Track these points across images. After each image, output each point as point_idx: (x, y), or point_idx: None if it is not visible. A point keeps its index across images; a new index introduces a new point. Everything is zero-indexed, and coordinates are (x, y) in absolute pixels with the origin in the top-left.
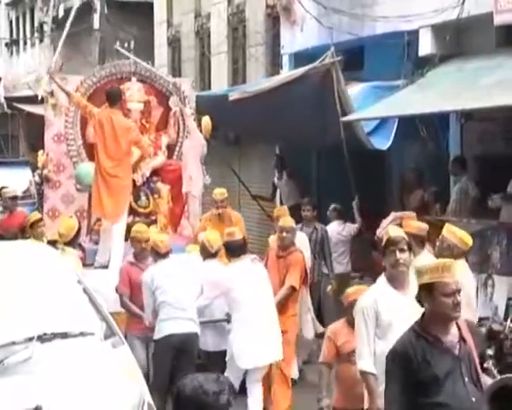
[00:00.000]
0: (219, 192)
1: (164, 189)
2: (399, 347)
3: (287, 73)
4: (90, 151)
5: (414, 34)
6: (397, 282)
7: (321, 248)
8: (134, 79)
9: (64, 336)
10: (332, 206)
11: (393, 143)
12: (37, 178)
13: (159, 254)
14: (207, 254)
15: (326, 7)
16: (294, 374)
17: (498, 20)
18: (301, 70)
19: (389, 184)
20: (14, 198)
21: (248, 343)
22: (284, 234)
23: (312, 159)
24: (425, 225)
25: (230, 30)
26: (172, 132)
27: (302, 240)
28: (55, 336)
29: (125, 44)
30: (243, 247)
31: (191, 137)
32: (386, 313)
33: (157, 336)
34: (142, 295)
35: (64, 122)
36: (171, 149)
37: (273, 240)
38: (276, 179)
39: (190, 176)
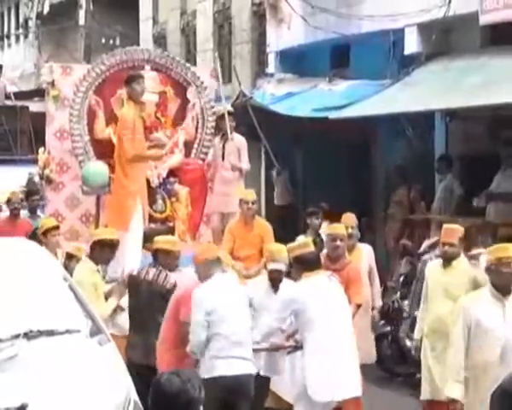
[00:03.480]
0: (249, 193)
1: (182, 191)
2: None
3: None
4: (99, 149)
5: (400, 33)
6: None
7: None
8: (148, 67)
9: (50, 333)
10: (320, 205)
11: (379, 140)
12: (36, 179)
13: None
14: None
15: (313, 5)
16: None
17: (484, 19)
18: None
19: (374, 182)
20: (24, 201)
21: (324, 372)
22: (338, 242)
23: (298, 157)
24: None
25: (216, 27)
26: (191, 128)
27: (366, 251)
28: (41, 333)
29: (111, 41)
30: (319, 260)
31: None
32: None
33: (206, 374)
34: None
35: (69, 116)
36: (188, 146)
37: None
38: (275, 175)
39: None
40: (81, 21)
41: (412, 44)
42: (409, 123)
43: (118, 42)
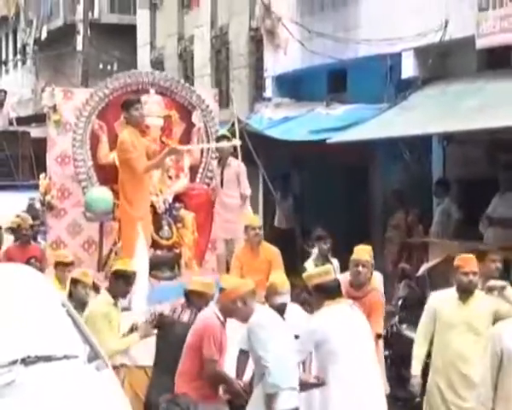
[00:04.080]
0: (255, 218)
1: (188, 217)
2: None
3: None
4: (102, 174)
5: (397, 57)
6: None
7: None
8: (152, 90)
9: (48, 359)
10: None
11: (377, 164)
12: (37, 205)
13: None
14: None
15: (310, 30)
16: None
17: (480, 43)
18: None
19: (372, 206)
20: (31, 228)
21: (349, 406)
22: (360, 268)
23: (296, 181)
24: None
25: (214, 52)
26: (196, 152)
27: (378, 279)
28: (38, 359)
29: (109, 66)
30: (340, 288)
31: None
32: None
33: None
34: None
35: (72, 141)
36: (193, 170)
37: (343, 276)
38: (278, 198)
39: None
40: (79, 47)
41: (409, 69)
42: (406, 147)
43: (115, 67)
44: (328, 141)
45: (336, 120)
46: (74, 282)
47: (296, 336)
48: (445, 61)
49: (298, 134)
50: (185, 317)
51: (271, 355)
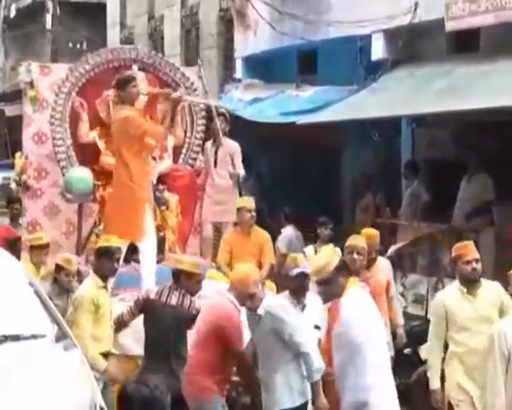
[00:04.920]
0: (249, 200)
1: (172, 199)
2: None
3: None
4: (82, 153)
5: (367, 39)
6: None
7: None
8: (135, 67)
9: (15, 338)
10: (283, 209)
11: (346, 147)
12: (13, 186)
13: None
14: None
15: (280, 11)
16: None
17: (450, 26)
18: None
19: (343, 189)
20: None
21: (385, 392)
22: (355, 255)
23: (265, 162)
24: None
25: (184, 32)
26: (180, 131)
27: (384, 266)
28: (6, 338)
29: (78, 45)
30: None
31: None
32: None
33: (300, 401)
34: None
35: (50, 118)
36: (177, 150)
37: None
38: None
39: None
40: (48, 26)
41: (379, 51)
42: (375, 129)
43: (85, 46)
44: (297, 122)
45: (306, 102)
46: (58, 269)
47: (316, 327)
48: (414, 44)
49: (268, 115)
50: (173, 300)
51: (307, 340)
